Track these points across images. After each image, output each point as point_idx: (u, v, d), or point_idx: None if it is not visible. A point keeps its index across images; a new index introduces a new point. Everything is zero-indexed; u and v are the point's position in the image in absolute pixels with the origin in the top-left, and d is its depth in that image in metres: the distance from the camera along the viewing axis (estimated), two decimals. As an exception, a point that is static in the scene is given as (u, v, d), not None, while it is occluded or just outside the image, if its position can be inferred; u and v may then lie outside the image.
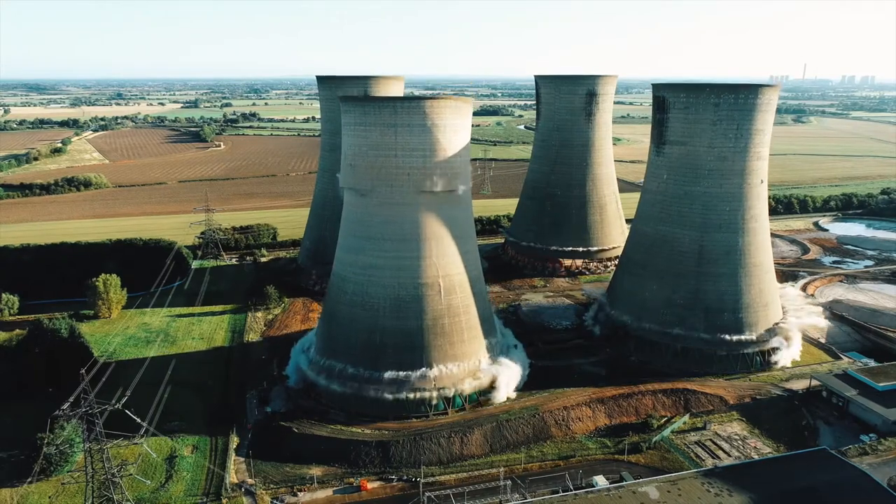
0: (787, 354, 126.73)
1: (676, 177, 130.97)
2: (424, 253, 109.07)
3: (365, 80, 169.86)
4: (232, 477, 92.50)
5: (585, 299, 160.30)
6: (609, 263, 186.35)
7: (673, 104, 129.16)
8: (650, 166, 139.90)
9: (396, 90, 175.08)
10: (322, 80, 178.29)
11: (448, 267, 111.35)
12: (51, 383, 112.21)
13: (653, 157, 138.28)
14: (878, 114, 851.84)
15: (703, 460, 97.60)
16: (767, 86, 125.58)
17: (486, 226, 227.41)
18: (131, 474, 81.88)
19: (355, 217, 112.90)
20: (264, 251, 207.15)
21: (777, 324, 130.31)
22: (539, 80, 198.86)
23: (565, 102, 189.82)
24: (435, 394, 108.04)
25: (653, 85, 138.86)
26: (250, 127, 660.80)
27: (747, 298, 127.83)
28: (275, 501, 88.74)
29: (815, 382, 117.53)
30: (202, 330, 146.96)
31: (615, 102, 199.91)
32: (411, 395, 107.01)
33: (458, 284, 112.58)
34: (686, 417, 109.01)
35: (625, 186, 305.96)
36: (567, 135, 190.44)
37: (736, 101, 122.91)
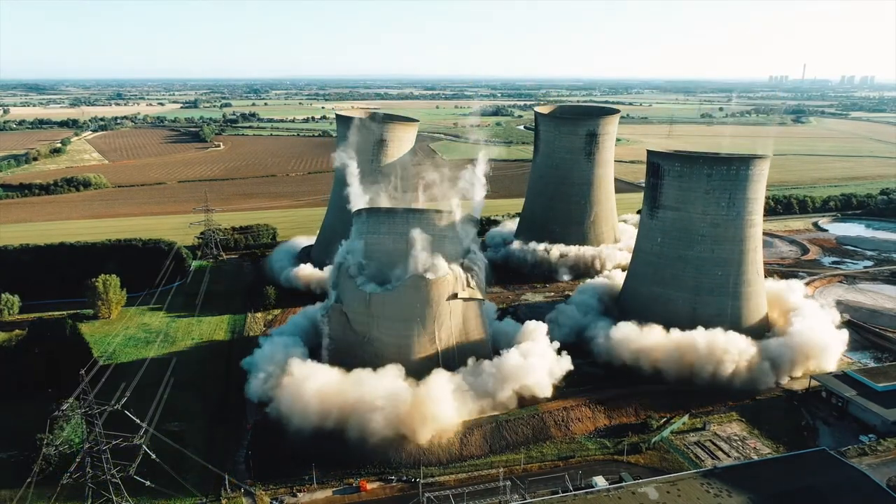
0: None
1: (670, 241, 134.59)
2: (428, 330, 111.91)
3: (381, 124, 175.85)
4: (231, 477, 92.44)
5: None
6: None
7: (667, 171, 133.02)
8: (643, 227, 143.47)
9: (410, 135, 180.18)
10: (341, 119, 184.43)
11: (450, 340, 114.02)
12: (51, 383, 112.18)
13: (646, 219, 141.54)
14: (878, 114, 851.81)
15: (703, 461, 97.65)
16: (759, 157, 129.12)
17: (486, 226, 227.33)
18: (130, 475, 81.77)
19: (360, 297, 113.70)
20: (264, 251, 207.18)
21: None
22: (539, 116, 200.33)
23: (565, 142, 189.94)
24: None
25: (648, 151, 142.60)
26: (250, 127, 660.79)
27: None
28: (274, 502, 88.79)
29: (814, 383, 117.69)
30: (202, 330, 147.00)
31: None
32: None
33: (458, 355, 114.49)
34: (685, 418, 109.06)
35: (624, 187, 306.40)
36: (566, 173, 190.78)
37: (728, 171, 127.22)
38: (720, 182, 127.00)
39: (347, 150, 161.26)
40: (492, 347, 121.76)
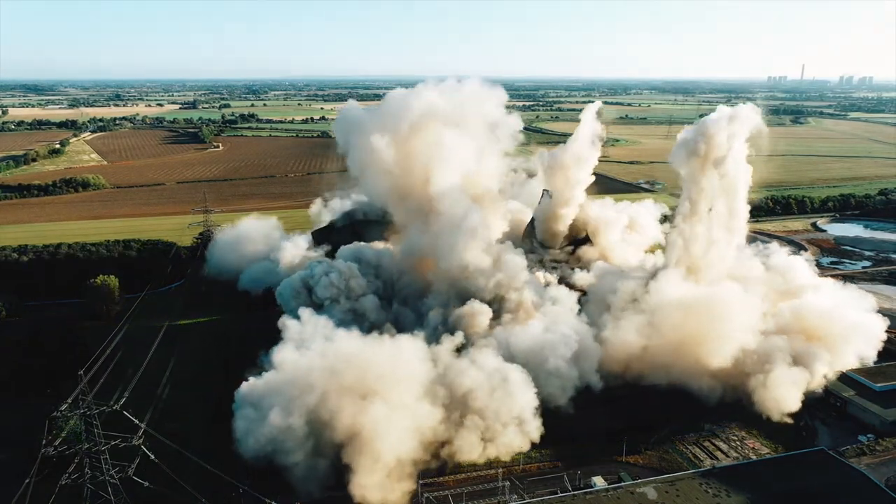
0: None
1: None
2: None
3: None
4: (230, 478, 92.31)
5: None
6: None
7: None
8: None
9: None
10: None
11: None
12: (49, 384, 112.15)
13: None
14: (876, 115, 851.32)
15: (702, 461, 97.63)
16: None
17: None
18: (129, 476, 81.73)
19: None
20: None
21: None
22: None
23: None
24: None
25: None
26: (249, 128, 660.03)
27: None
28: (273, 503, 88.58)
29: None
30: (201, 330, 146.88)
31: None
32: None
33: None
34: (684, 418, 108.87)
35: (621, 187, 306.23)
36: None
37: None
38: None
39: None
40: None
